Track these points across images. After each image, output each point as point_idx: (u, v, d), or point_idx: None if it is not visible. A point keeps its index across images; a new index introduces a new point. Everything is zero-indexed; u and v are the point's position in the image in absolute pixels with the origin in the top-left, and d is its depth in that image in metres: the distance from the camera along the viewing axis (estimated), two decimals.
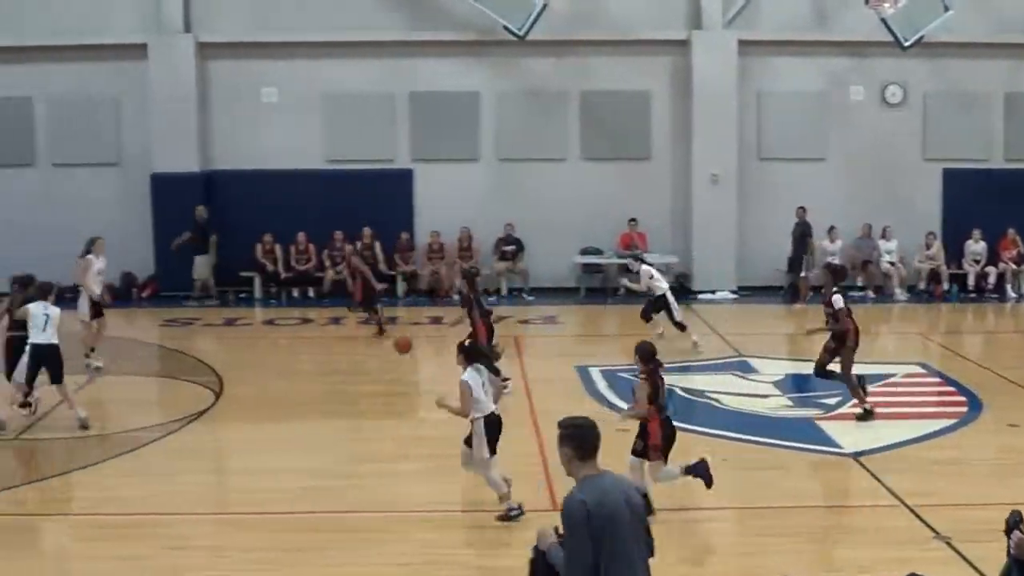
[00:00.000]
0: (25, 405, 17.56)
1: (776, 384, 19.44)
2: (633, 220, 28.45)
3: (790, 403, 18.44)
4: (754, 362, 21.03)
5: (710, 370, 20.67)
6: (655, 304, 22.29)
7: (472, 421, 13.13)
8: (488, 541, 12.54)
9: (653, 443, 12.90)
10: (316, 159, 28.63)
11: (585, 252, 28.62)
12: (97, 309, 21.10)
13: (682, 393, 18.62)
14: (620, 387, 18.61)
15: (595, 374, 20.04)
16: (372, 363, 21.98)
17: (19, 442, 16.77)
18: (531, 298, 27.95)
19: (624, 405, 16.57)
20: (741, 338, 23.49)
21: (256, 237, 28.12)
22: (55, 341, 17.11)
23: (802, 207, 27.88)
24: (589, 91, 28.77)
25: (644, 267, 22.75)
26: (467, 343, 14.02)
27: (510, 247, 28.54)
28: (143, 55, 27.91)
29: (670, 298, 22.24)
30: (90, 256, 21.05)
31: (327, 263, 28.32)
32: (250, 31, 28.27)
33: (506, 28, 27.21)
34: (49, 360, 17.12)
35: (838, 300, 17.32)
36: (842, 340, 17.25)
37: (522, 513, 12.88)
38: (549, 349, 23.59)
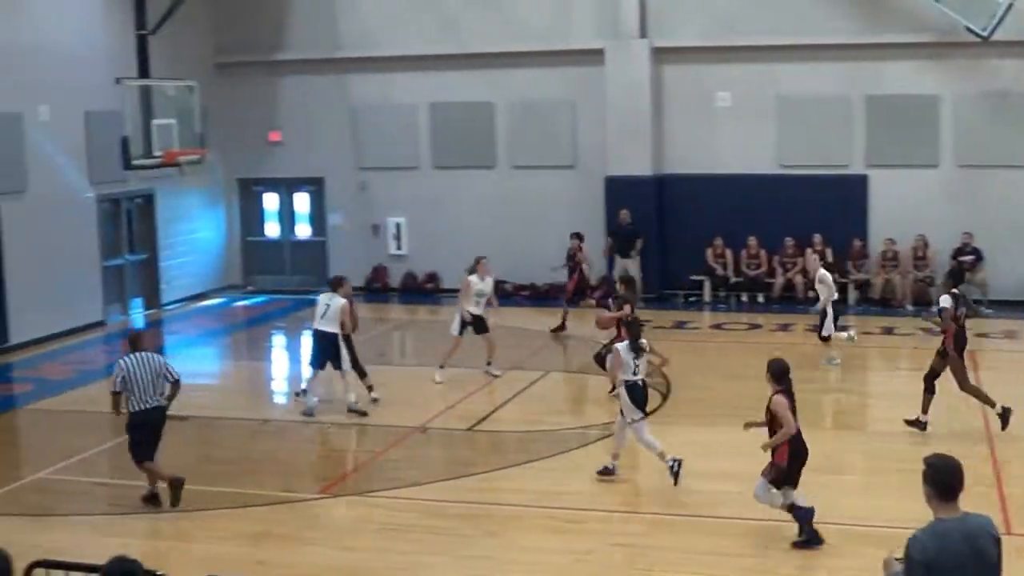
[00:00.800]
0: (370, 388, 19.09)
1: None
2: None
3: None
4: None
5: None
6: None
7: (618, 385, 15.13)
8: None
9: (777, 462, 12.67)
10: (769, 163, 28.35)
11: None
12: (479, 325, 21.01)
13: None
14: None
15: None
16: (819, 371, 21.58)
17: (472, 434, 17.41)
18: (990, 311, 26.70)
19: None
20: None
21: (706, 241, 28.17)
22: (331, 329, 18.40)
23: None
24: None
25: (822, 271, 21.97)
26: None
27: (968, 257, 27.41)
28: (600, 60, 28.44)
29: (830, 310, 21.53)
30: (472, 277, 20.96)
31: (777, 268, 28.06)
32: (705, 35, 28.29)
33: (968, 29, 26.19)
34: (325, 346, 18.49)
35: (944, 300, 17.06)
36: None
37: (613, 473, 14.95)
38: (1010, 366, 22.46)
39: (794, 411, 12.58)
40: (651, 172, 28.49)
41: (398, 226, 30.62)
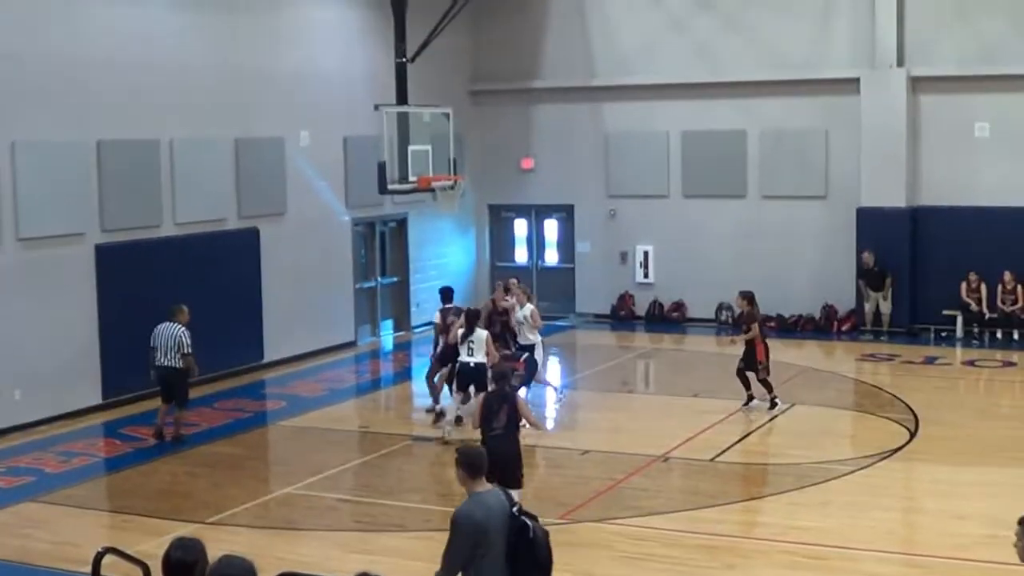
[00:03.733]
0: None
1: None
2: None
3: None
4: None
5: None
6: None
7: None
8: None
9: None
10: None
11: None
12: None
13: None
14: None
15: None
16: None
17: (713, 464, 17.33)
18: None
19: None
20: None
21: (960, 275, 27.40)
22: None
23: None
24: None
25: (529, 306, 21.55)
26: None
27: None
28: (855, 89, 27.98)
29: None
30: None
31: None
32: (964, 65, 27.52)
33: None
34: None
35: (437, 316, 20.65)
36: None
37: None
38: None
39: (490, 415, 13.95)
40: (905, 203, 27.87)
41: (646, 254, 30.64)
